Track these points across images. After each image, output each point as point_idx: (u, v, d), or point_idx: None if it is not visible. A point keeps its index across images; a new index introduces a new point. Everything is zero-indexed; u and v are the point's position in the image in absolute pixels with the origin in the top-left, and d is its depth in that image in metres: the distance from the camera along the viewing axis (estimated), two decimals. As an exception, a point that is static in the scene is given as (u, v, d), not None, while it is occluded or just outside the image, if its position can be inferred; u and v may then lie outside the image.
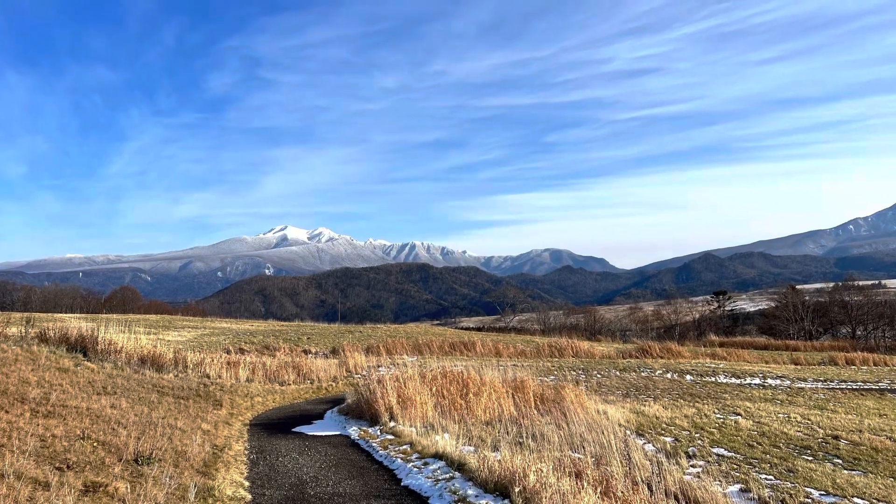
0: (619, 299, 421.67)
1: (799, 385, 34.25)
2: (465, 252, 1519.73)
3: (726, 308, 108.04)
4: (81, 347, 22.47)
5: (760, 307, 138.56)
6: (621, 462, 12.00)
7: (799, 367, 45.22)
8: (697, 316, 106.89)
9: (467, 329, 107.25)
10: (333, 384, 28.44)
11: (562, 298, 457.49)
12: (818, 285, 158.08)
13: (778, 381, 35.28)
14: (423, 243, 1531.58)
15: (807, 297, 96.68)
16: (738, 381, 34.78)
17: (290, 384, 27.04)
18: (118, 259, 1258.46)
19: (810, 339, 76.62)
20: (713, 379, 35.34)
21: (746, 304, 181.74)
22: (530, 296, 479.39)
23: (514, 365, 34.20)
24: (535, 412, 18.74)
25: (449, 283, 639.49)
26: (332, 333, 56.54)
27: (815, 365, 47.32)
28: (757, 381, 35.32)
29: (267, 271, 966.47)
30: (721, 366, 41.52)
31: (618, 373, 36.11)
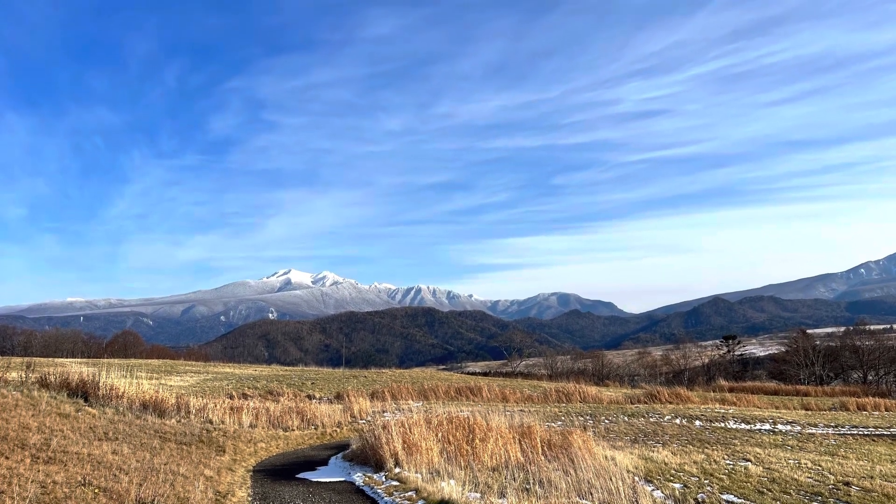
0: (627, 344, 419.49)
1: (809, 431, 33.79)
2: (471, 296, 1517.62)
3: (736, 353, 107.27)
4: (83, 393, 22.35)
5: (770, 352, 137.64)
6: (630, 509, 11.78)
7: (809, 412, 44.67)
8: (707, 361, 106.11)
9: (473, 374, 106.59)
10: (338, 430, 28.16)
11: (569, 343, 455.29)
12: (829, 329, 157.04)
13: (788, 427, 34.82)
14: (428, 287, 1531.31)
15: (817, 342, 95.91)
16: (747, 427, 34.34)
17: (293, 430, 26.78)
18: (119, 303, 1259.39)
19: (821, 384, 75.80)
20: (722, 424, 34.90)
21: (756, 348, 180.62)
22: (537, 340, 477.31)
23: (520, 410, 33.86)
24: (543, 458, 18.49)
25: (455, 328, 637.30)
26: (337, 378, 56.20)
27: (825, 410, 46.75)
28: (767, 426, 34.86)
29: (270, 315, 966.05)
30: (731, 411, 41.04)
31: (626, 418, 35.70)
